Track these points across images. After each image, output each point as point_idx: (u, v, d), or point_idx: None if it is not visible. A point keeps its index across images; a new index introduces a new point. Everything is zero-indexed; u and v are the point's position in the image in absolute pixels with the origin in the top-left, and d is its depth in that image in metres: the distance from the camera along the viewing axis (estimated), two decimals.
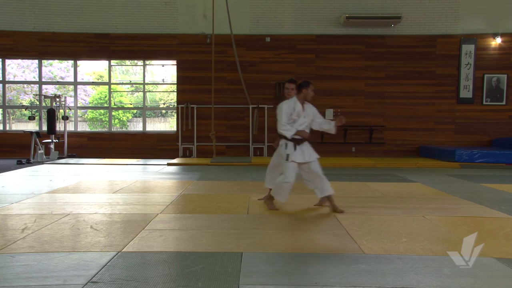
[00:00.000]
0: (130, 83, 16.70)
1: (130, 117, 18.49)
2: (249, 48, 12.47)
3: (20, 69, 17.79)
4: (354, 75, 12.45)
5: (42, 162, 10.98)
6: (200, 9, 12.45)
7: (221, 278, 2.93)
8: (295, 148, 4.93)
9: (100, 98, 18.51)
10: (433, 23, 12.43)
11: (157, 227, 4.29)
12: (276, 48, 12.50)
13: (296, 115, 4.93)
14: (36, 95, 13.42)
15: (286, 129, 4.91)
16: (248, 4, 12.47)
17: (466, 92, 12.53)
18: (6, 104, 13.72)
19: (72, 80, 13.57)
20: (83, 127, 15.69)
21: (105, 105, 15.18)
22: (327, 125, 5.13)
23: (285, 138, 4.97)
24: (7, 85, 14.04)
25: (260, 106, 12.30)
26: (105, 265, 3.16)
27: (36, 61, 13.30)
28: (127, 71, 18.19)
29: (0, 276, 2.96)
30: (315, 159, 5.07)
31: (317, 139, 11.77)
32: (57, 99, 12.49)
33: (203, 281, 2.87)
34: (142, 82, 13.31)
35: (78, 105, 14.34)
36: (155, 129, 14.60)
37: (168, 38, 12.58)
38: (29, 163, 10.75)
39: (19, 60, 15.86)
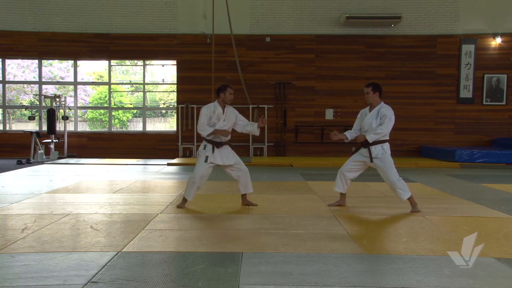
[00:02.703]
0: (130, 83, 16.71)
1: (130, 117, 18.49)
2: (249, 48, 12.46)
3: (20, 69, 17.79)
4: (354, 75, 12.43)
5: (42, 162, 10.97)
6: (200, 9, 12.45)
7: (221, 278, 2.93)
8: (213, 151, 5.07)
9: (100, 98, 18.51)
10: (433, 23, 12.43)
11: (157, 227, 4.29)
12: (276, 48, 12.50)
13: (216, 118, 5.10)
14: (36, 95, 13.42)
15: (203, 130, 5.07)
16: (248, 4, 12.47)
17: (466, 92, 12.53)
18: (6, 104, 13.72)
19: (72, 80, 13.58)
20: (83, 127, 15.69)
21: (105, 105, 15.18)
22: (250, 126, 5.28)
23: (206, 140, 5.12)
24: (7, 85, 14.05)
25: (260, 106, 12.30)
26: (105, 265, 3.15)
27: (36, 61, 13.31)
28: (127, 71, 18.20)
29: (0, 276, 2.96)
30: (237, 160, 5.23)
31: (317, 140, 11.77)
32: (57, 99, 12.48)
33: (203, 281, 2.87)
34: (142, 82, 13.31)
35: (78, 105, 14.35)
36: (155, 129, 14.61)
37: (168, 38, 12.58)
38: (29, 163, 10.74)
39: (19, 60, 15.86)
